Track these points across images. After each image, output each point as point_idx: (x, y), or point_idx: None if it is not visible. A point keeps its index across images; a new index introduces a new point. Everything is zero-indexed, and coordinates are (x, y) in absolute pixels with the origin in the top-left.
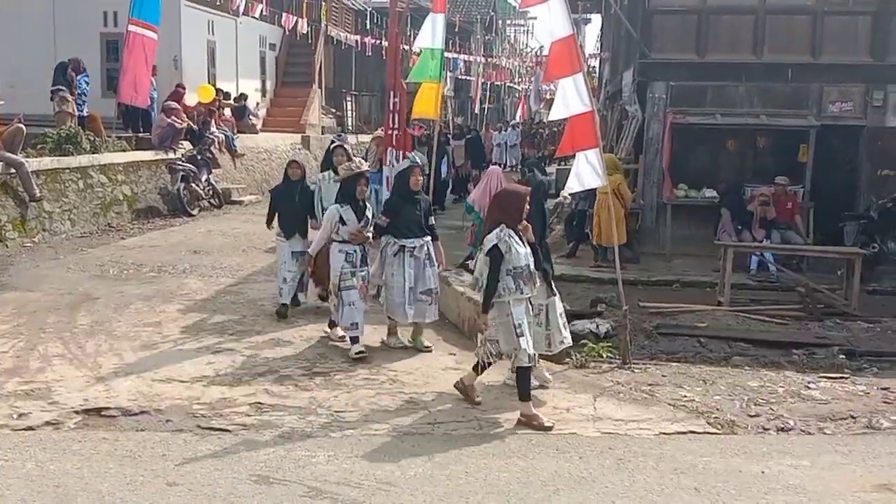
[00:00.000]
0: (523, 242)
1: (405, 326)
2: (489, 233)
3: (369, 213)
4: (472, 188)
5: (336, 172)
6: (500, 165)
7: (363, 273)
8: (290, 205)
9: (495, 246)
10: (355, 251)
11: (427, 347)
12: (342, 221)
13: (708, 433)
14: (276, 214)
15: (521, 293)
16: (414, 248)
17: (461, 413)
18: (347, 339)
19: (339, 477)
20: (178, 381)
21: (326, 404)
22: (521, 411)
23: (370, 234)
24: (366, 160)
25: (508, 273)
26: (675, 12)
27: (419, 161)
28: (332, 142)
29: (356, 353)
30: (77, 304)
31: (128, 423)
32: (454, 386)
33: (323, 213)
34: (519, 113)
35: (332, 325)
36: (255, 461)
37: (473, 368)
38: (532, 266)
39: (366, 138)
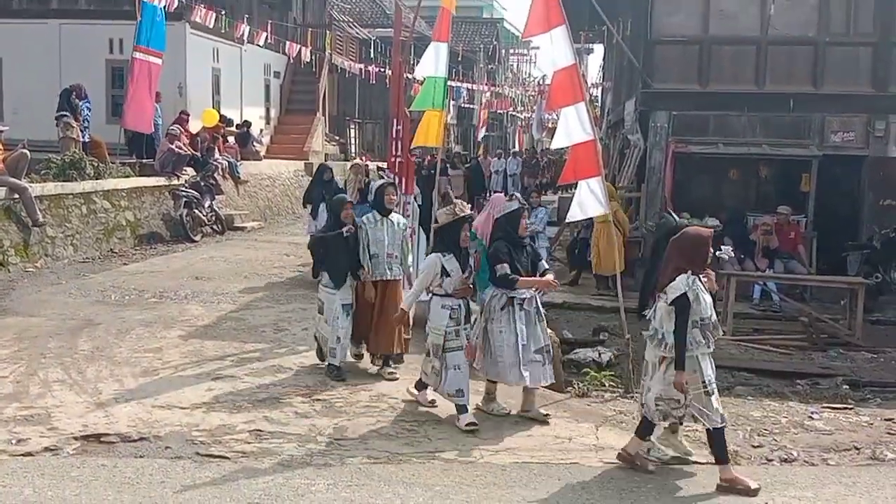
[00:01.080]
0: (707, 290)
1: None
2: (671, 280)
3: (471, 261)
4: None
5: (383, 213)
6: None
7: (467, 331)
8: (343, 250)
9: (683, 295)
10: (459, 306)
11: (545, 417)
12: (445, 273)
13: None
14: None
15: (709, 347)
16: (524, 299)
17: (462, 441)
18: (451, 406)
19: None
20: (178, 408)
21: (327, 432)
22: (722, 476)
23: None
24: (344, 189)
25: (695, 325)
26: (677, 42)
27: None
28: (381, 178)
29: (467, 425)
30: (78, 329)
31: (127, 450)
32: (617, 458)
33: (370, 260)
34: (517, 141)
35: (421, 385)
36: (253, 489)
37: (637, 434)
38: (715, 316)
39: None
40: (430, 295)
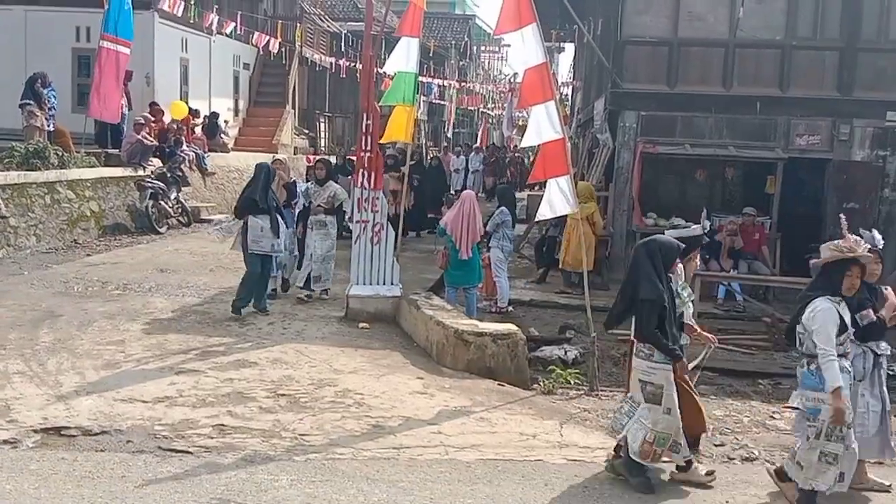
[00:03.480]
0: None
1: None
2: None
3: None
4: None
5: (318, 183)
6: (458, 192)
7: None
8: None
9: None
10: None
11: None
12: (843, 325)
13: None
14: None
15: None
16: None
17: (426, 438)
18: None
19: (301, 502)
20: (140, 402)
21: (291, 427)
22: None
23: None
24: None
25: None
26: (646, 43)
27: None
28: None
29: None
30: (40, 320)
31: (87, 444)
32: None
33: None
34: (480, 137)
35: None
36: (216, 484)
37: None
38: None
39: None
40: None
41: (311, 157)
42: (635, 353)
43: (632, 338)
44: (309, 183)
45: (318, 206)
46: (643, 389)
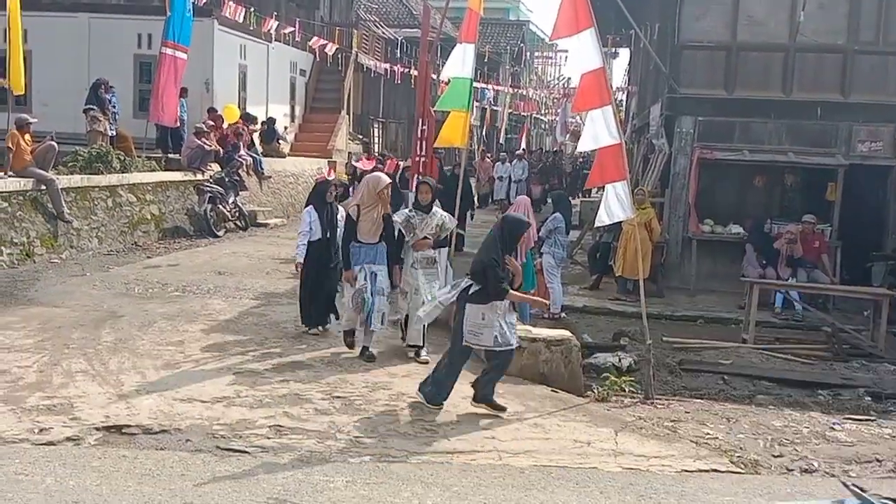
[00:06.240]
0: None
1: None
2: None
3: None
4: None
5: (423, 210)
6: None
7: None
8: None
9: None
10: None
11: None
12: None
13: (731, 472)
14: None
15: None
16: None
17: (480, 443)
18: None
19: (355, 503)
20: (199, 401)
21: (346, 429)
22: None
23: None
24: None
25: None
26: (704, 48)
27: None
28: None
29: None
30: (101, 320)
31: (148, 442)
32: None
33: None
34: (524, 143)
35: None
36: (273, 484)
37: None
38: None
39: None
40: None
41: (365, 160)
42: None
43: None
44: (408, 210)
45: (425, 238)
46: None
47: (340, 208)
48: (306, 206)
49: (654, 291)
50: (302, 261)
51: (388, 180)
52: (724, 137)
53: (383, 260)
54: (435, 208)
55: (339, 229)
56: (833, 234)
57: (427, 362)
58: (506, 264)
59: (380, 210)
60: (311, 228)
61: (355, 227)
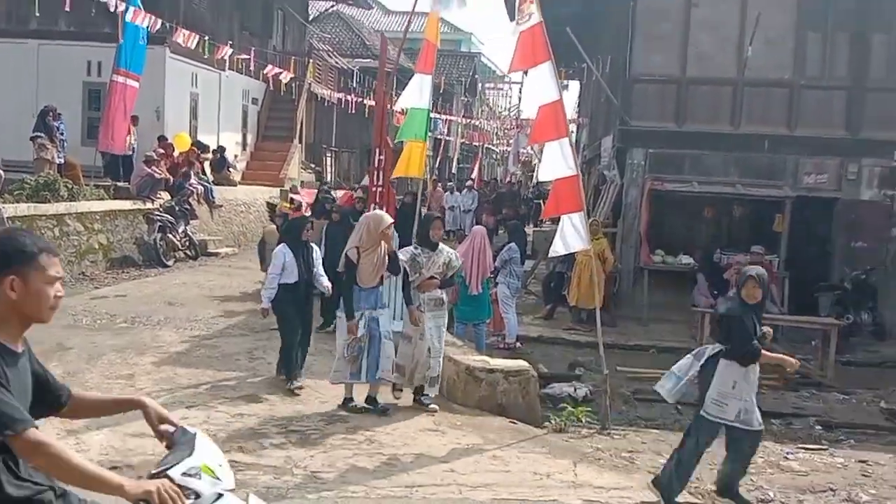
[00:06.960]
0: None
1: None
2: None
3: None
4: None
5: (430, 247)
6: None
7: None
8: None
9: None
10: None
11: None
12: None
13: (689, 503)
14: None
15: None
16: None
17: (440, 476)
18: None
19: None
20: (151, 437)
21: (302, 464)
22: None
23: None
24: None
25: None
26: (655, 81)
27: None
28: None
29: None
30: (49, 353)
31: None
32: None
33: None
34: (476, 173)
35: None
36: None
37: None
38: None
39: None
40: None
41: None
42: None
43: None
44: (413, 247)
45: (432, 277)
46: None
47: (315, 247)
48: (278, 243)
49: (606, 321)
50: (269, 306)
51: (391, 219)
52: (674, 169)
53: (383, 303)
54: (441, 245)
55: (315, 269)
56: (780, 265)
57: (436, 411)
58: None
59: (380, 252)
60: (283, 270)
61: (355, 272)
